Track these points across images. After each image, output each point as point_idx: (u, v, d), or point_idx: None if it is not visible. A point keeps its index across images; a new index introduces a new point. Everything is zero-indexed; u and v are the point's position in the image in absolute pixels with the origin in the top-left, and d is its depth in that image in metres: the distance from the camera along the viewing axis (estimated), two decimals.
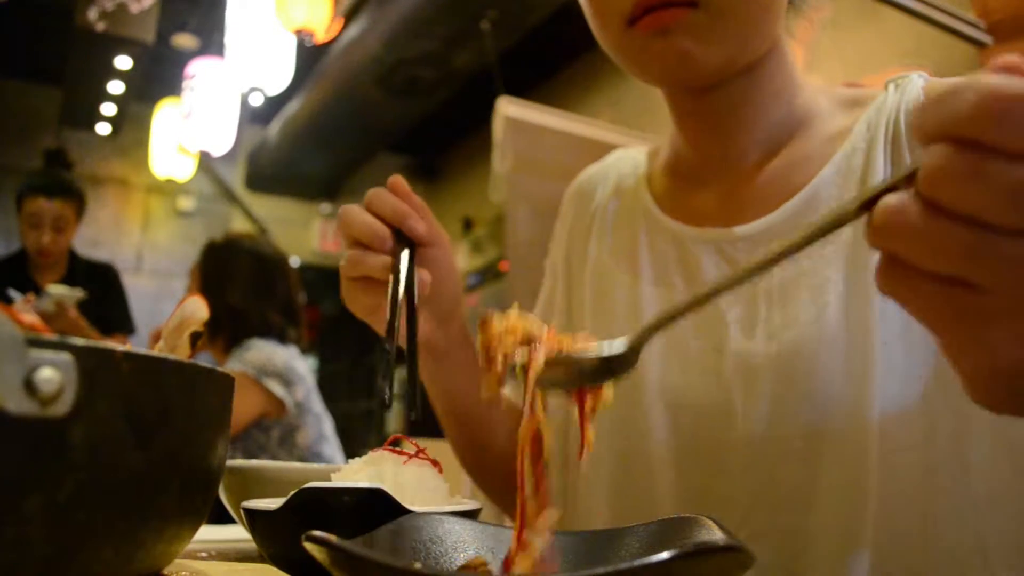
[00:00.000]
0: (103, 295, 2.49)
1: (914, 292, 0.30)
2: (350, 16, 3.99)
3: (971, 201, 0.27)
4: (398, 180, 0.66)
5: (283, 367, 1.85)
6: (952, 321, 0.30)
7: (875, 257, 0.56)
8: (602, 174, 0.85)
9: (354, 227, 0.63)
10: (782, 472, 0.60)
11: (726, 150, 0.70)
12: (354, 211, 0.64)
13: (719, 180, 0.71)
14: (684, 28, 0.59)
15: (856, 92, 0.70)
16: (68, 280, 2.42)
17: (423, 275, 0.63)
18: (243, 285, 1.95)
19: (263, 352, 1.85)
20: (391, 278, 0.61)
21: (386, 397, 0.55)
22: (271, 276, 1.99)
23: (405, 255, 0.62)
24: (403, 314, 0.60)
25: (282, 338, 1.94)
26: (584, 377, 0.38)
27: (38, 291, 2.34)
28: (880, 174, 0.61)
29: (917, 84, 0.64)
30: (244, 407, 1.77)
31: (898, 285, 0.30)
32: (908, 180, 0.29)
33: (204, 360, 2.10)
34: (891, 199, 0.29)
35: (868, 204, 0.30)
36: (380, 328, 0.66)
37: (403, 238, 0.63)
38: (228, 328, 1.91)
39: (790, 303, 0.62)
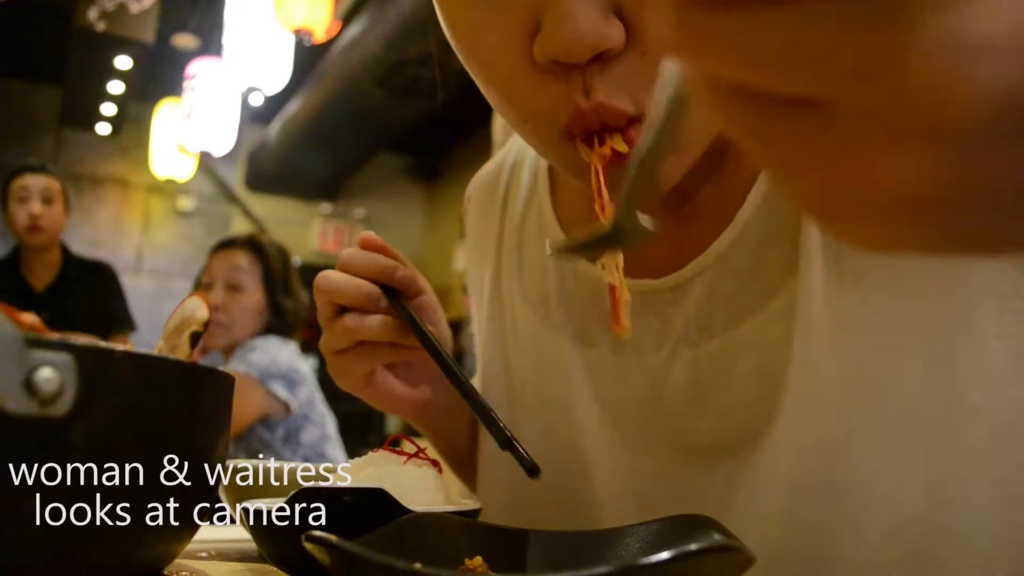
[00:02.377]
0: (101, 296, 2.48)
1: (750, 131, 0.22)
2: (350, 16, 3.99)
3: (715, 64, 0.20)
4: (370, 236, 0.61)
5: (287, 369, 1.85)
6: (817, 212, 0.23)
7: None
8: (506, 170, 0.70)
9: (342, 291, 0.57)
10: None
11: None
12: (335, 275, 0.58)
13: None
14: None
15: None
16: (62, 280, 2.41)
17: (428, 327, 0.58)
18: (291, 286, 1.99)
19: (267, 353, 1.86)
20: (421, 335, 0.57)
21: (514, 443, 0.48)
22: (291, 275, 2.02)
23: (402, 306, 0.59)
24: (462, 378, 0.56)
25: (286, 335, 1.95)
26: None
27: (31, 293, 2.33)
28: None
29: None
30: (247, 408, 1.78)
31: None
32: None
33: (212, 360, 2.08)
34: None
35: None
36: (377, 402, 0.63)
37: (395, 294, 0.59)
38: (271, 327, 1.94)
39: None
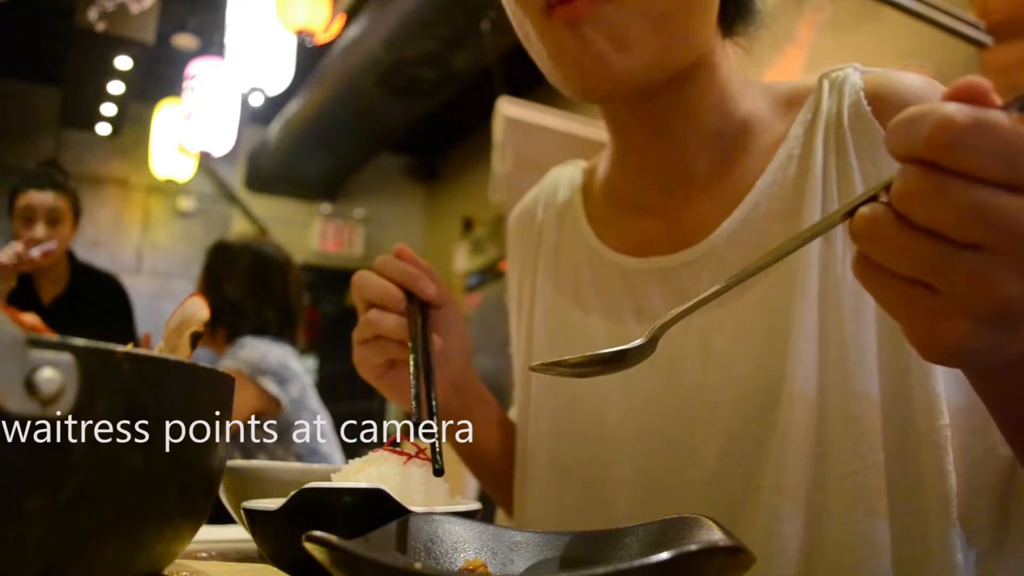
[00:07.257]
0: (110, 313, 2.42)
1: (882, 287, 0.34)
2: (350, 16, 3.99)
3: (933, 217, 0.31)
4: (404, 248, 0.69)
5: (277, 365, 1.86)
6: (912, 315, 0.34)
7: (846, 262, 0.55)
8: (541, 200, 0.82)
9: (370, 289, 0.65)
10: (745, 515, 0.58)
11: (665, 167, 0.67)
12: (368, 275, 0.66)
13: (660, 204, 0.68)
14: (598, 26, 0.55)
15: (793, 89, 0.67)
16: (69, 294, 2.35)
17: (435, 338, 0.65)
18: (241, 281, 1.98)
19: (257, 350, 1.87)
20: (410, 344, 0.63)
21: (438, 468, 0.52)
22: (269, 274, 2.01)
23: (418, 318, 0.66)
24: (423, 379, 0.62)
25: (277, 336, 1.96)
26: (603, 367, 0.44)
27: (40, 305, 2.26)
28: (818, 180, 0.59)
29: (854, 79, 0.61)
30: (239, 404, 1.78)
31: (869, 280, 0.35)
32: (886, 190, 0.33)
33: (204, 357, 2.09)
34: (866, 209, 0.33)
35: (851, 212, 0.34)
36: (390, 393, 0.70)
37: (415, 301, 0.66)
38: (225, 323, 1.95)
39: (746, 334, 0.60)
